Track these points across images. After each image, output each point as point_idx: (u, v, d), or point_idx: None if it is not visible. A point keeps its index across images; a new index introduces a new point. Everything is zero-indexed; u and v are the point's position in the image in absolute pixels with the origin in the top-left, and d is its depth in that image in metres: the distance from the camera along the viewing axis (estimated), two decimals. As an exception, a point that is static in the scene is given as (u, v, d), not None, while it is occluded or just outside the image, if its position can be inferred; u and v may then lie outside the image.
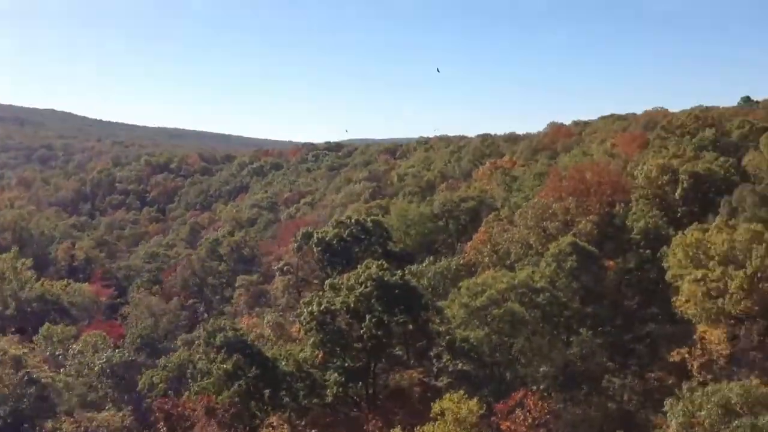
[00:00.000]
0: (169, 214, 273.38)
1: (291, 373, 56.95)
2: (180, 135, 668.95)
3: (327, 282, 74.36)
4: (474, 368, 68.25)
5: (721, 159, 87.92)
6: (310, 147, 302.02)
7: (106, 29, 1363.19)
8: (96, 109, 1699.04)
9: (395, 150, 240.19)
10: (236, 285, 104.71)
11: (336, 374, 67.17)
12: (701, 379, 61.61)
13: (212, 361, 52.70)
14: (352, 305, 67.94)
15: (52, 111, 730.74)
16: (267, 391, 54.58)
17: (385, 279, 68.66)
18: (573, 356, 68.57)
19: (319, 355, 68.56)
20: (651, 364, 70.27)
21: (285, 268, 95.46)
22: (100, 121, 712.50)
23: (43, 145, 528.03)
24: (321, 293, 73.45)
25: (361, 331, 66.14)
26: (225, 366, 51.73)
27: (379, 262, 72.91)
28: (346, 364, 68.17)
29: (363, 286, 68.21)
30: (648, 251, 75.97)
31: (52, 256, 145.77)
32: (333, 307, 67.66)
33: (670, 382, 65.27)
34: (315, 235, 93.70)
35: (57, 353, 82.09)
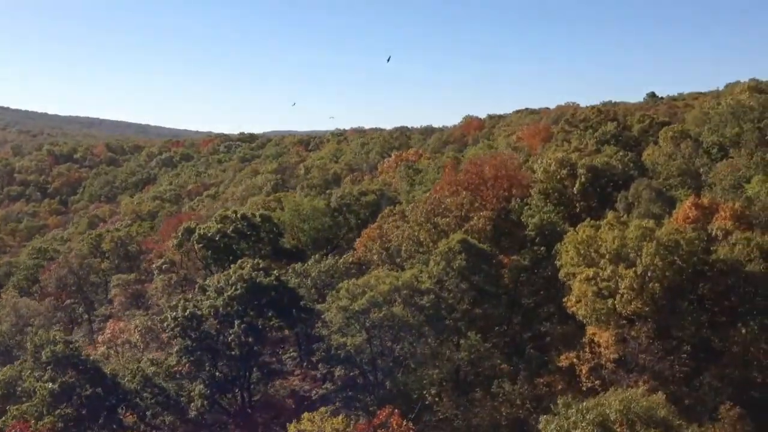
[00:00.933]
0: (72, 206, 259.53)
1: (135, 390, 50.03)
2: (94, 124, 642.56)
3: (197, 283, 68.22)
4: (353, 377, 63.47)
5: (621, 153, 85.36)
6: (223, 138, 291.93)
7: (17, 10, 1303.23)
8: (5, 95, 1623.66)
9: (309, 142, 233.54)
10: (112, 285, 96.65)
11: (201, 385, 61.04)
12: (589, 385, 58.36)
13: (38, 379, 45.57)
14: (220, 309, 61.92)
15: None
16: (104, 413, 47.61)
17: (257, 280, 62.81)
18: (461, 360, 64.28)
19: (185, 365, 62.32)
20: (543, 367, 66.54)
21: (164, 267, 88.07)
22: (6, 108, 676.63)
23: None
24: (188, 296, 67.16)
25: (229, 338, 60.14)
26: (50, 385, 44.66)
27: (255, 261, 67.01)
28: (217, 374, 62.20)
29: (233, 288, 62.25)
30: (543, 248, 72.34)
31: None
32: (199, 312, 61.46)
33: (559, 387, 61.83)
34: (197, 231, 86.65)
35: None
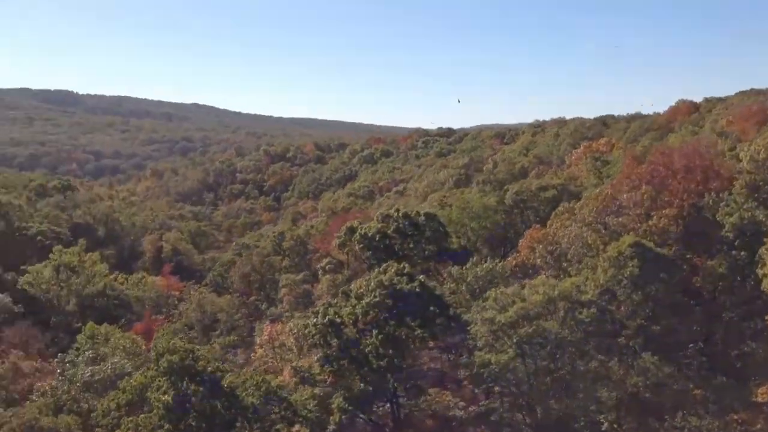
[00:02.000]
0: (283, 203, 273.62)
1: (253, 405, 47.43)
2: (309, 124, 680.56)
3: (341, 288, 65.08)
4: (503, 397, 56.58)
5: None
6: (422, 133, 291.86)
7: (246, 28, 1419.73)
8: (236, 102, 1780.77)
9: (505, 135, 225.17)
10: (281, 284, 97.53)
11: (341, 398, 57.58)
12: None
13: (156, 389, 44.58)
14: (360, 316, 58.05)
15: (196, 105, 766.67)
16: (221, 428, 45.42)
17: (398, 287, 58.00)
18: (636, 385, 54.64)
19: (328, 374, 59.29)
20: (739, 399, 54.79)
21: (328, 267, 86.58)
22: (239, 113, 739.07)
23: (184, 138, 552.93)
24: (333, 301, 64.01)
25: (367, 349, 56.02)
26: (165, 397, 43.30)
27: (400, 265, 62.27)
28: (359, 386, 58.40)
29: (372, 294, 58.04)
30: (744, 253, 59.86)
31: (142, 248, 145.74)
32: (339, 319, 58.01)
33: (757, 427, 50.36)
34: (358, 230, 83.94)
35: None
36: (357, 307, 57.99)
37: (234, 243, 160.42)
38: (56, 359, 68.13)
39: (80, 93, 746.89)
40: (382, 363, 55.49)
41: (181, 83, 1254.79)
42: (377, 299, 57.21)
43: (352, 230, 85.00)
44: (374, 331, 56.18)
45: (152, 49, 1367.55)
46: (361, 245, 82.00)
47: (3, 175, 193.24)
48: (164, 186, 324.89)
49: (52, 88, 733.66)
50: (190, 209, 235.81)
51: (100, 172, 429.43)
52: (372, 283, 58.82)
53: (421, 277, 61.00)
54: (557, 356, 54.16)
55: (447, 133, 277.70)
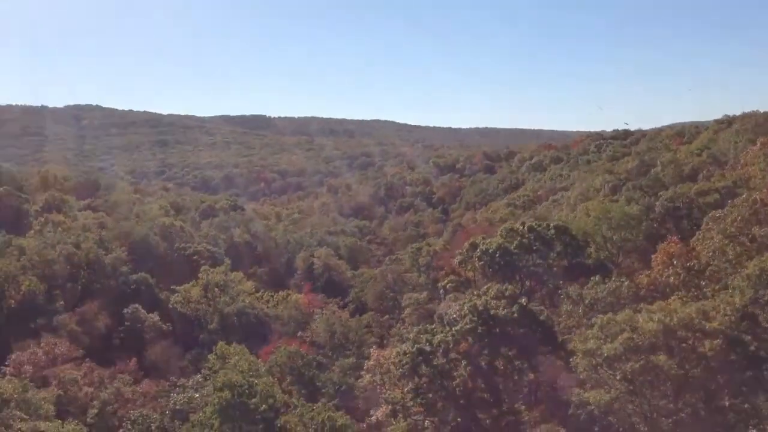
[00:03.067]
0: (450, 215, 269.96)
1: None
2: (487, 134, 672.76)
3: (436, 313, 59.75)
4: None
5: None
6: (595, 137, 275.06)
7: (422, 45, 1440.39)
8: (415, 116, 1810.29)
9: (686, 134, 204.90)
10: (403, 303, 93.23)
11: (430, 434, 52.47)
12: None
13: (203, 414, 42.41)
14: (451, 344, 52.53)
15: (377, 121, 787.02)
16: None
17: (492, 312, 51.79)
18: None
19: (420, 408, 54.38)
20: None
21: (449, 286, 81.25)
22: (417, 126, 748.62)
23: (363, 153, 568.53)
24: (430, 326, 58.84)
25: (454, 382, 50.42)
26: (214, 423, 40.98)
27: (501, 287, 56.03)
28: (452, 423, 52.86)
29: (465, 320, 52.37)
30: None
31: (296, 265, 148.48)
32: (428, 348, 52.91)
33: None
34: (480, 246, 77.95)
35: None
36: (448, 334, 52.66)
37: (387, 258, 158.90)
38: (168, 383, 68.97)
39: (272, 116, 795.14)
40: (467, 398, 49.69)
41: (363, 101, 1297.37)
42: (469, 326, 51.54)
43: (474, 246, 79.20)
44: (463, 362, 50.50)
45: (337, 70, 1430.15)
46: (482, 262, 75.94)
47: (181, 196, 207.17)
48: (338, 201, 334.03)
49: (248, 114, 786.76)
50: (356, 224, 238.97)
51: (285, 189, 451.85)
52: (465, 308, 53.22)
53: (522, 300, 54.39)
54: (677, 395, 45.33)
55: (623, 135, 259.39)
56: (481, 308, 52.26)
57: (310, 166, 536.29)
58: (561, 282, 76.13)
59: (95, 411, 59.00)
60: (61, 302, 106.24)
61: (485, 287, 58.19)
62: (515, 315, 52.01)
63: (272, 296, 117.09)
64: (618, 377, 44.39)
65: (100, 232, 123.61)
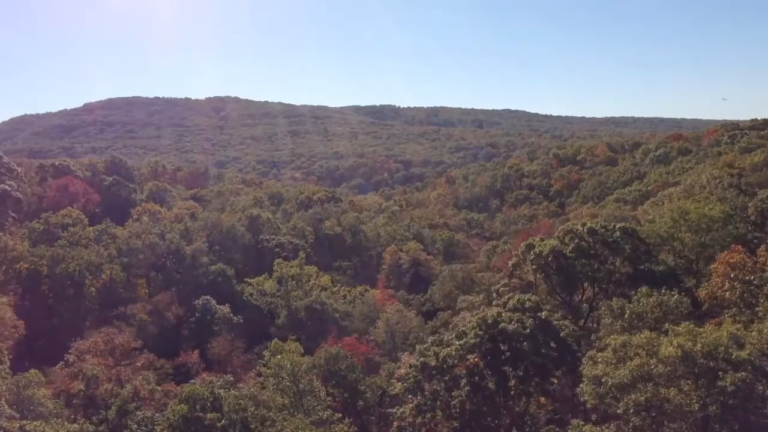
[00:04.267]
0: (566, 208, 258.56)
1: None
2: (622, 123, 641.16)
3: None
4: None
5: None
6: (730, 126, 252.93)
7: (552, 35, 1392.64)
8: (546, 105, 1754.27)
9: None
10: (457, 306, 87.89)
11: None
12: None
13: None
14: (456, 360, 47.95)
15: (507, 111, 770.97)
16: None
17: (500, 326, 46.69)
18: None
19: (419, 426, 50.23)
20: None
21: (501, 290, 75.44)
22: (548, 116, 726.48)
23: (489, 144, 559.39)
24: (441, 338, 54.20)
25: (452, 402, 45.90)
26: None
27: (522, 297, 50.52)
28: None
29: (472, 333, 47.63)
30: None
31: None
32: (432, 363, 48.65)
33: None
34: (535, 248, 71.93)
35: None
36: (452, 349, 48.17)
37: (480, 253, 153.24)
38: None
39: (401, 106, 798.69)
40: (464, 421, 45.05)
41: (493, 90, 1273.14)
42: (473, 341, 46.83)
43: (529, 247, 73.22)
44: (462, 381, 45.89)
45: (464, 59, 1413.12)
46: (534, 266, 70.00)
47: (285, 187, 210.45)
48: (454, 192, 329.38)
49: (378, 104, 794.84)
50: (465, 216, 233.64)
51: (407, 180, 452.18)
52: (474, 320, 48.49)
53: (543, 312, 48.79)
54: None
55: (762, 124, 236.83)
56: (490, 321, 47.41)
57: (434, 156, 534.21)
58: (626, 291, 69.08)
59: (113, 411, 59.12)
60: (141, 291, 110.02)
61: (507, 296, 52.88)
62: (527, 330, 46.65)
63: (349, 291, 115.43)
64: (621, 410, 38.42)
65: (186, 222, 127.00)
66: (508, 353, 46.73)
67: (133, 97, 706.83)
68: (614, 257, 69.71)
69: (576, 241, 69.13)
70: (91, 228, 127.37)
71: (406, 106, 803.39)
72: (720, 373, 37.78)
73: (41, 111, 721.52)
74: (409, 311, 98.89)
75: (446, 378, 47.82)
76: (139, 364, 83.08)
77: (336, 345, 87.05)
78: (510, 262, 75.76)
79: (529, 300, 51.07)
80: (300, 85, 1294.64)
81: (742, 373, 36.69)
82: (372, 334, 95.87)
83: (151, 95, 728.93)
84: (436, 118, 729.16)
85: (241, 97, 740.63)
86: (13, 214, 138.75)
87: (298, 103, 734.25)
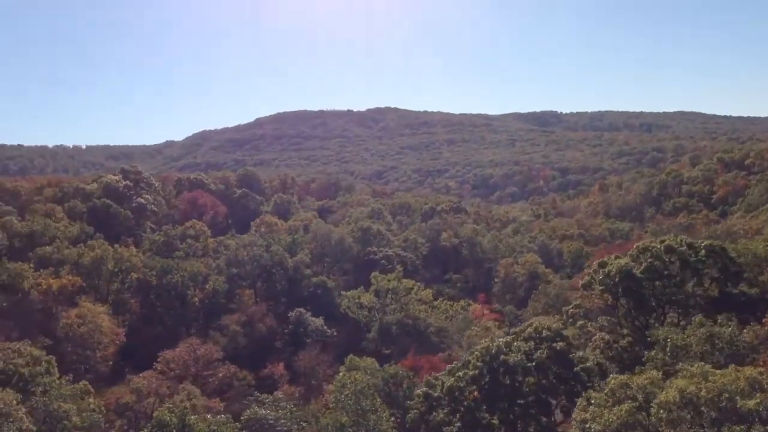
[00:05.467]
0: (728, 218, 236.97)
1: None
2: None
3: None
4: None
5: None
6: None
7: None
8: (728, 106, 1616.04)
9: None
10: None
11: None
12: None
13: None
14: (456, 393, 44.00)
15: (681, 113, 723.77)
16: None
17: (501, 357, 42.15)
18: None
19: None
20: None
21: (570, 311, 68.94)
22: (728, 117, 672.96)
23: (655, 148, 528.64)
24: (456, 366, 50.04)
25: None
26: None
27: (543, 324, 45.30)
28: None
29: (472, 365, 43.49)
30: None
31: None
32: (435, 393, 45.10)
33: None
34: (608, 265, 65.39)
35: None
36: (455, 379, 44.37)
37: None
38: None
39: (563, 112, 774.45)
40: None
41: (664, 91, 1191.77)
42: (472, 372, 42.83)
43: (602, 266, 66.72)
44: (456, 417, 42.02)
45: (631, 62, 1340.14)
46: (602, 287, 63.58)
47: (415, 198, 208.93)
48: (606, 201, 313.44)
49: (538, 110, 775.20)
50: (608, 226, 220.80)
51: (563, 187, 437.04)
52: (478, 350, 44.40)
53: (558, 344, 43.58)
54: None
55: None
56: (494, 351, 43.13)
57: (594, 162, 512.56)
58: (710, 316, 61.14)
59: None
60: (247, 301, 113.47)
61: (531, 320, 47.81)
62: (533, 362, 41.83)
63: (451, 306, 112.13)
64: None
65: (295, 235, 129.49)
66: (508, 387, 42.21)
67: (300, 110, 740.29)
68: (697, 278, 61.84)
69: (649, 260, 62.00)
70: (212, 239, 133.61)
71: (568, 112, 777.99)
72: (727, 424, 31.71)
73: (218, 126, 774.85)
74: (501, 329, 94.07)
75: (446, 411, 44.19)
76: (220, 375, 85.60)
77: (414, 362, 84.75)
78: (581, 282, 69.51)
79: (547, 329, 46.01)
80: (460, 94, 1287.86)
81: (742, 426, 30.40)
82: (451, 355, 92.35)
83: (316, 108, 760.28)
84: (600, 123, 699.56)
85: (400, 107, 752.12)
86: (153, 225, 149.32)
87: (456, 112, 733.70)
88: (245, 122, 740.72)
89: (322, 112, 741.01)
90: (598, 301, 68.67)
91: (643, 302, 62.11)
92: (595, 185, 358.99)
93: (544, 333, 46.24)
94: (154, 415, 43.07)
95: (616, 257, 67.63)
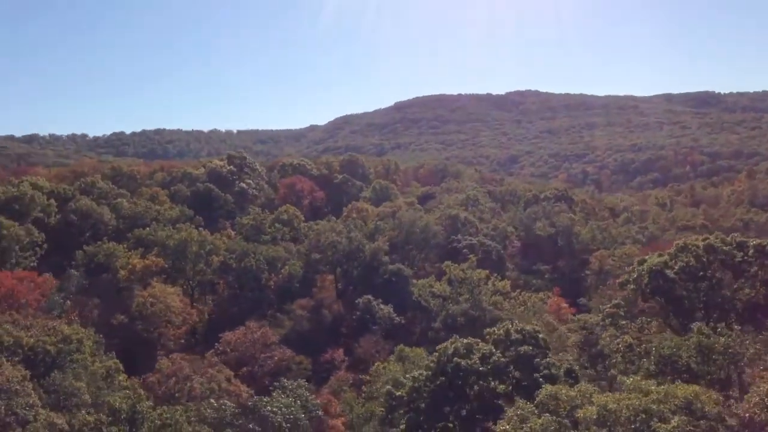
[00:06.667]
0: None
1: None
2: None
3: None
4: None
5: None
6: None
7: None
8: None
9: None
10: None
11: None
12: None
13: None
14: (414, 395, 42.09)
15: None
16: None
17: (455, 360, 39.66)
18: None
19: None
20: None
21: (607, 310, 63.71)
22: None
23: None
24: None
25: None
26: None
27: (517, 326, 41.89)
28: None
29: (425, 368, 41.43)
30: None
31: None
32: (396, 393, 43.51)
33: None
34: (644, 264, 60.23)
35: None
36: (414, 381, 42.60)
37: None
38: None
39: (721, 92, 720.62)
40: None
41: None
42: (426, 374, 40.91)
43: (641, 264, 61.55)
44: (407, 417, 40.34)
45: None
46: (633, 287, 58.65)
47: (527, 183, 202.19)
48: (752, 189, 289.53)
49: (693, 91, 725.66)
50: (740, 217, 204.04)
51: (712, 173, 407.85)
52: (438, 351, 42.32)
53: (524, 347, 40.42)
54: None
55: None
56: (450, 352, 40.83)
57: (749, 147, 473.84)
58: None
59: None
60: (325, 285, 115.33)
61: (504, 323, 44.41)
62: (488, 366, 39.11)
63: (529, 297, 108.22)
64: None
65: (377, 221, 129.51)
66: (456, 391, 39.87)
67: (438, 94, 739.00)
68: (741, 280, 55.60)
69: (686, 259, 56.43)
70: (305, 224, 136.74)
71: (727, 92, 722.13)
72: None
73: (359, 111, 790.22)
74: (570, 324, 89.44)
75: (402, 411, 42.65)
76: (275, 358, 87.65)
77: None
78: (618, 280, 64.61)
79: (518, 332, 42.85)
80: (606, 75, 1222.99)
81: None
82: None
83: (455, 92, 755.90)
84: (762, 104, 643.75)
85: (541, 90, 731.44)
86: (257, 208, 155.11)
87: (601, 94, 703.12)
88: (384, 107, 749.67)
89: (460, 95, 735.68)
90: (641, 302, 63.84)
91: (677, 304, 56.77)
92: (743, 172, 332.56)
93: (513, 336, 43.24)
94: (107, 400, 44.83)
95: (659, 255, 62.14)
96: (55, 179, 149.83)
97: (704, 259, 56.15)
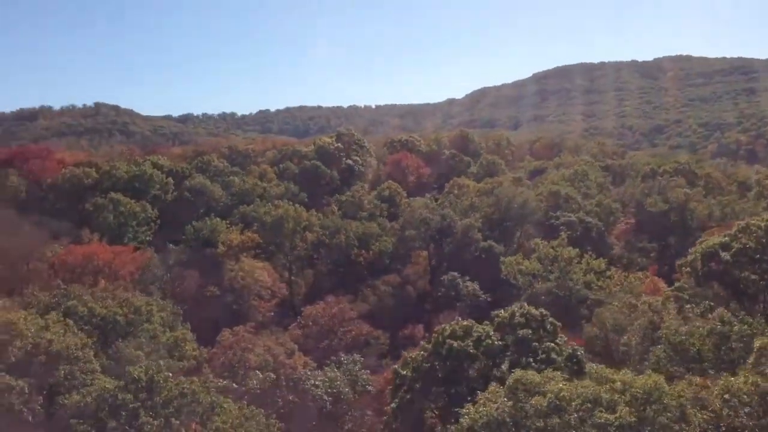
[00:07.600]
0: None
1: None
2: None
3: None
4: None
5: None
6: None
7: None
8: None
9: None
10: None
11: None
12: None
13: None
14: (415, 375, 41.82)
15: None
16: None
17: (448, 342, 38.94)
18: None
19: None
20: None
21: (667, 293, 59.41)
22: None
23: None
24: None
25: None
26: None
27: (521, 310, 40.30)
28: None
29: (419, 352, 41.06)
30: None
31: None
32: (402, 372, 43.44)
33: None
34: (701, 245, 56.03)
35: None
36: (412, 360, 42.47)
37: None
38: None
39: None
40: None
41: None
42: (421, 359, 40.70)
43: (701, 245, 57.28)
44: (400, 394, 40.41)
45: None
46: (687, 270, 54.79)
47: (649, 157, 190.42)
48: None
49: None
50: None
51: None
52: (436, 332, 41.87)
53: (523, 331, 39.07)
54: None
55: None
56: (447, 333, 40.22)
57: None
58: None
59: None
60: (417, 261, 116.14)
61: (515, 306, 42.56)
62: (480, 349, 38.18)
63: (626, 277, 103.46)
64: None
65: (472, 197, 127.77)
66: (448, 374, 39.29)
67: (578, 63, 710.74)
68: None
69: (744, 241, 52.02)
70: (405, 200, 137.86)
71: None
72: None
73: (498, 83, 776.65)
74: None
75: (404, 390, 42.74)
76: (353, 333, 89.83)
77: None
78: (678, 262, 60.55)
79: (522, 315, 41.37)
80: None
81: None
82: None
83: (596, 60, 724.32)
84: None
85: (694, 54, 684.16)
86: (364, 185, 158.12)
87: (763, 57, 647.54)
88: (522, 78, 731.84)
89: (603, 63, 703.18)
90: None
91: (733, 288, 52.61)
92: None
93: (516, 319, 41.82)
94: (129, 370, 47.93)
95: (725, 236, 57.64)
96: (179, 158, 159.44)
97: (764, 241, 51.44)
